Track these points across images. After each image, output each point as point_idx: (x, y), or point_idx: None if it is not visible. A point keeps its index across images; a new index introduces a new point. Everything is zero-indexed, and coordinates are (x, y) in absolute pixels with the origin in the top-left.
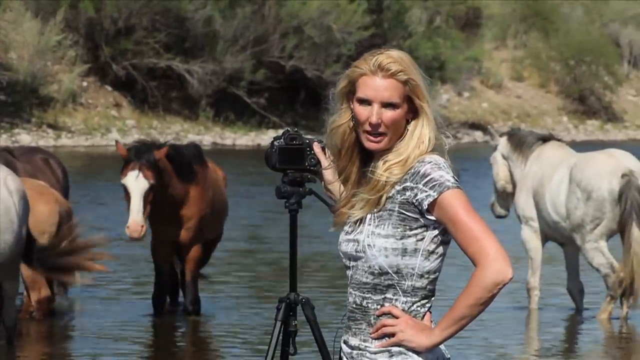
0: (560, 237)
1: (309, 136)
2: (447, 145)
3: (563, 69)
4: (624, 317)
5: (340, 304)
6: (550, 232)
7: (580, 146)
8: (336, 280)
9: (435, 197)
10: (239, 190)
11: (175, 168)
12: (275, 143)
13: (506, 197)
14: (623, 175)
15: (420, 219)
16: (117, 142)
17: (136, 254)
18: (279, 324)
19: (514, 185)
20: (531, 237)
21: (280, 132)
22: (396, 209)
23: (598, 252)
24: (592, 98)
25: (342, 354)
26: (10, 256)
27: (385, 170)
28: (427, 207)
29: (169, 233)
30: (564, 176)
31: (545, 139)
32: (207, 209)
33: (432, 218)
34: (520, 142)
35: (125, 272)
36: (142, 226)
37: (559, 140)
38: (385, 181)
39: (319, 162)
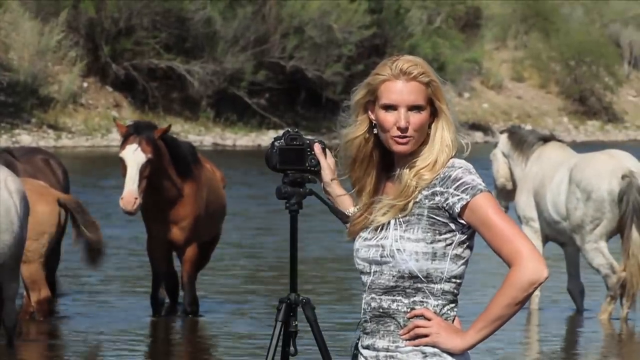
0: (561, 238)
1: (309, 137)
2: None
3: (563, 69)
4: (624, 317)
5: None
6: (551, 233)
7: (581, 147)
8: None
9: (468, 200)
10: (238, 191)
11: (172, 155)
12: (276, 144)
13: (505, 195)
14: (623, 177)
15: (450, 224)
16: (115, 119)
17: (135, 253)
18: (279, 324)
19: (514, 183)
20: (532, 237)
21: (281, 132)
22: (425, 213)
23: (598, 252)
24: (592, 98)
25: (361, 359)
26: (10, 257)
27: (415, 175)
28: (459, 210)
29: (163, 232)
30: (564, 176)
31: (545, 139)
32: (202, 208)
33: (463, 222)
34: (521, 142)
35: (123, 272)
36: (136, 198)
37: (559, 140)
38: (416, 186)
39: (319, 162)
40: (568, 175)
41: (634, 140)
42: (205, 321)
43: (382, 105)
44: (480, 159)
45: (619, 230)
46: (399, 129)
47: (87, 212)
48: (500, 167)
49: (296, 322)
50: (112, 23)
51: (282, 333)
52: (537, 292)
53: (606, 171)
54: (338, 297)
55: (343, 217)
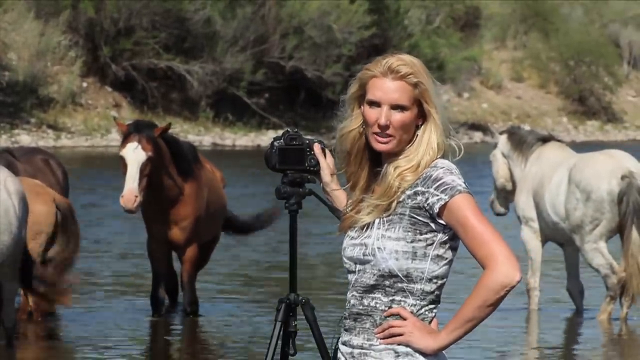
0: (560, 238)
1: (309, 137)
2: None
3: (563, 69)
4: (623, 317)
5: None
6: (550, 233)
7: (580, 147)
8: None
9: (447, 200)
10: (238, 191)
11: (173, 154)
12: (275, 144)
13: (506, 195)
14: (623, 177)
15: (431, 224)
16: (115, 118)
17: (134, 253)
18: (278, 324)
19: (514, 184)
20: (531, 237)
21: (280, 132)
22: (407, 213)
23: (597, 252)
24: (591, 99)
25: (339, 355)
26: (9, 257)
27: (398, 176)
28: (437, 210)
29: (163, 232)
30: (564, 177)
31: (545, 140)
32: (202, 208)
33: (442, 222)
34: (521, 142)
35: (123, 272)
36: (136, 196)
37: (558, 140)
38: (398, 187)
39: (318, 162)
40: (567, 176)
41: (633, 140)
42: (204, 321)
43: (367, 100)
44: (479, 159)
45: (619, 231)
46: (379, 126)
47: (76, 221)
48: (500, 168)
49: (295, 322)
50: (111, 23)
51: (281, 333)
52: (536, 292)
53: (606, 171)
54: (337, 297)
55: (342, 217)
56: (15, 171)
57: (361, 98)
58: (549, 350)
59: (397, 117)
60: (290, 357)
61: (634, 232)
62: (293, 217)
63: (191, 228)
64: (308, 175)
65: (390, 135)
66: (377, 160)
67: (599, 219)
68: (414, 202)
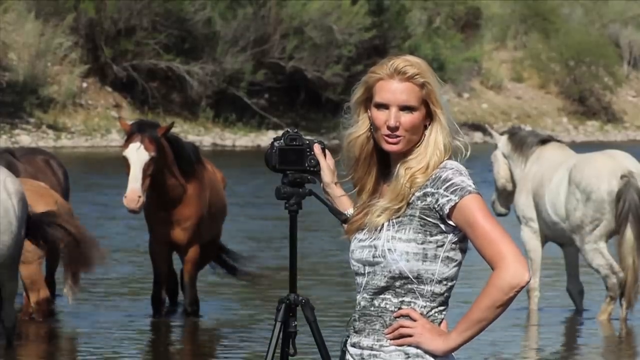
0: (560, 238)
1: (309, 137)
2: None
3: (563, 69)
4: (623, 318)
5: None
6: (550, 233)
7: (580, 147)
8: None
9: (457, 201)
10: (238, 191)
11: (175, 154)
12: (275, 144)
13: (507, 196)
14: (622, 177)
15: (441, 225)
16: (119, 118)
17: (133, 253)
18: (278, 324)
19: (514, 184)
20: (531, 237)
21: (280, 132)
22: (417, 214)
23: (597, 253)
24: (592, 99)
25: (347, 357)
26: (8, 257)
27: (409, 178)
28: (447, 211)
29: (166, 233)
30: (564, 177)
31: (545, 140)
32: (205, 209)
33: (452, 223)
34: (521, 142)
35: (124, 272)
36: (139, 196)
37: (558, 141)
38: (409, 189)
39: (318, 163)
40: (567, 176)
41: (633, 141)
42: (204, 321)
43: (375, 103)
44: (480, 159)
45: (618, 231)
46: (388, 127)
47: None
48: (500, 169)
49: (295, 322)
50: (112, 24)
51: (281, 333)
52: (536, 293)
53: (606, 172)
54: (337, 296)
55: (342, 218)
56: (15, 171)
57: (367, 102)
58: (549, 350)
59: (407, 118)
60: (290, 357)
61: (628, 232)
62: (293, 217)
63: (193, 229)
64: (308, 176)
65: (399, 136)
66: (384, 163)
67: (599, 220)
68: (423, 203)
